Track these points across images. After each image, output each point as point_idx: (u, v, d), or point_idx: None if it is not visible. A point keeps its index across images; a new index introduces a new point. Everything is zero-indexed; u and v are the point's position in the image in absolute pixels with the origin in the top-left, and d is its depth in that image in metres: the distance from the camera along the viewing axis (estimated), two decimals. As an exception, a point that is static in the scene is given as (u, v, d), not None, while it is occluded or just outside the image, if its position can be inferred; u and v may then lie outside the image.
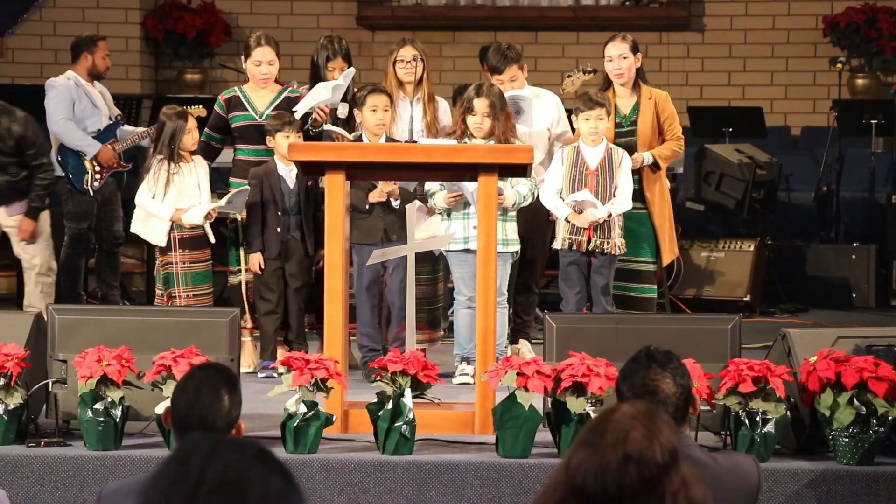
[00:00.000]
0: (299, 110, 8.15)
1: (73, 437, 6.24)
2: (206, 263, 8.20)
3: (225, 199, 8.08)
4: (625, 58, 8.23)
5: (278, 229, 8.02)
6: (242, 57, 8.50)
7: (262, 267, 8.05)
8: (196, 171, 8.14)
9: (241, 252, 8.21)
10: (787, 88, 13.58)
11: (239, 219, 8.21)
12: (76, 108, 9.40)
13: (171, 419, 3.69)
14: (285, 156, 7.85)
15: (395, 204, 7.86)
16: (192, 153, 8.17)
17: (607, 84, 8.34)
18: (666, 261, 8.26)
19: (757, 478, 3.96)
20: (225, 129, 8.41)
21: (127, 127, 9.64)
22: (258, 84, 8.38)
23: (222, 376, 3.70)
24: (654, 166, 8.15)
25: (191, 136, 8.14)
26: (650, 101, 8.22)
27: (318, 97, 8.14)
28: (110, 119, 9.54)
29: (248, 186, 8.08)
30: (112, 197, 9.55)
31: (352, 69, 8.33)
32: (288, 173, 8.01)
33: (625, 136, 8.18)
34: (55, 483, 5.98)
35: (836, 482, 5.89)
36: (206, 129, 8.41)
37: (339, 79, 8.21)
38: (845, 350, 6.17)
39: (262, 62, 8.34)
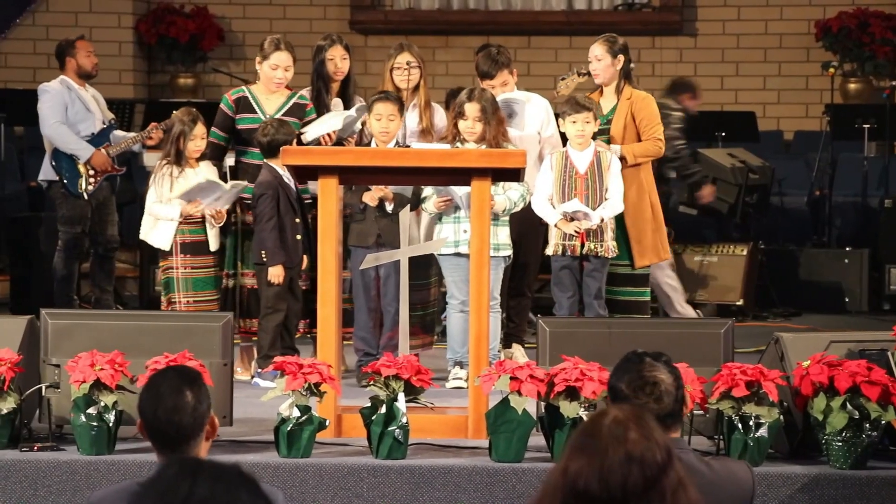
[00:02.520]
0: (308, 135, 8.13)
1: (66, 441, 6.23)
2: (210, 269, 8.11)
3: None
4: (599, 59, 8.28)
5: (298, 236, 7.98)
6: (258, 58, 8.43)
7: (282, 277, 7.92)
8: (202, 174, 8.10)
9: (238, 255, 8.15)
10: (780, 93, 13.60)
11: (237, 220, 8.16)
12: (69, 112, 9.40)
13: (142, 427, 3.71)
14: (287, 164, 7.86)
15: (389, 208, 7.86)
16: (199, 158, 8.15)
17: (598, 85, 8.38)
18: (641, 263, 8.16)
19: (752, 485, 3.98)
20: (231, 128, 8.35)
21: (119, 132, 9.63)
22: (271, 88, 8.32)
23: (181, 375, 3.73)
24: (623, 161, 8.11)
25: (195, 143, 8.10)
26: (627, 101, 8.23)
27: (328, 126, 8.12)
28: (104, 123, 9.53)
29: (242, 184, 8.04)
30: (106, 201, 9.54)
31: (363, 104, 8.26)
32: (290, 180, 7.96)
33: (601, 134, 8.19)
34: (48, 488, 5.97)
35: (830, 486, 5.90)
36: (211, 128, 8.31)
37: (352, 110, 8.19)
38: (838, 354, 6.17)
39: (279, 66, 8.28)
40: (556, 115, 8.34)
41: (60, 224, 9.45)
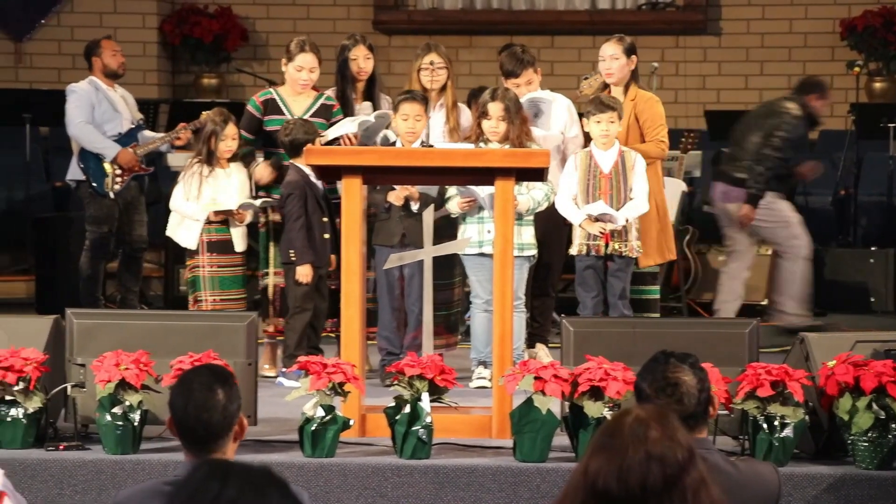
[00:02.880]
0: (328, 136, 8.15)
1: (91, 440, 6.26)
2: (237, 268, 8.15)
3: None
4: (616, 59, 8.29)
5: (326, 235, 7.99)
6: (283, 59, 8.47)
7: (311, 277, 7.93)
8: (233, 177, 8.14)
9: (270, 254, 8.18)
10: (804, 92, 13.54)
11: (267, 220, 8.19)
12: (96, 112, 9.42)
13: (172, 424, 3.72)
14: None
15: (415, 208, 7.87)
16: (230, 159, 8.17)
17: (606, 85, 8.38)
18: (645, 263, 8.16)
19: (778, 485, 3.97)
20: (258, 130, 8.38)
21: (147, 132, 9.65)
22: (297, 89, 8.36)
23: (214, 373, 3.74)
24: None
25: (225, 144, 8.13)
26: (631, 102, 8.23)
27: (344, 129, 8.13)
28: (132, 123, 9.54)
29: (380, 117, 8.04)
30: (135, 201, 9.54)
31: (388, 112, 8.27)
32: (317, 180, 8.00)
33: None
34: (74, 487, 6.00)
35: (855, 486, 5.89)
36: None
37: (370, 116, 8.20)
38: (864, 354, 6.15)
39: (303, 68, 8.32)
40: (580, 115, 8.36)
41: (87, 224, 9.48)
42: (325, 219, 7.97)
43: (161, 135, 9.50)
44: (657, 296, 8.32)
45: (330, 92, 8.49)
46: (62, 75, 12.95)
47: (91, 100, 9.41)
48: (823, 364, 6.10)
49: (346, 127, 8.15)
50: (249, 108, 8.43)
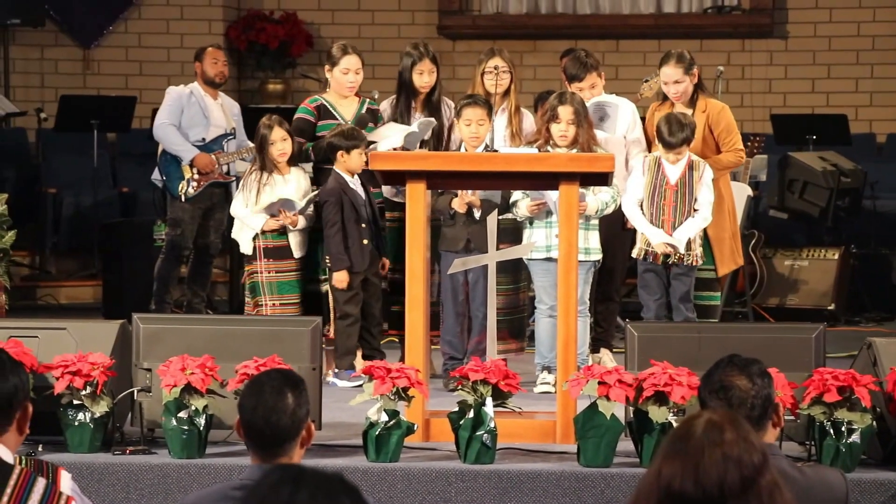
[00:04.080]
0: (378, 149, 8.20)
1: (157, 445, 6.31)
2: (293, 273, 8.22)
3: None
4: (679, 82, 8.27)
5: (364, 241, 8.05)
6: (326, 66, 8.55)
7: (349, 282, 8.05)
8: (290, 183, 8.21)
9: (327, 260, 8.25)
10: (873, 95, 13.45)
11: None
12: (184, 115, 9.50)
13: (240, 426, 3.72)
14: (355, 170, 8.00)
15: (477, 215, 7.88)
16: (290, 164, 8.24)
17: (665, 97, 8.36)
18: (723, 271, 8.20)
19: (845, 491, 3.94)
20: (312, 135, 8.44)
21: (247, 142, 9.67)
22: (344, 92, 8.45)
23: (285, 377, 3.75)
24: None
25: (276, 148, 8.20)
26: (703, 114, 8.23)
27: (390, 142, 8.17)
28: (226, 131, 9.60)
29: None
30: (215, 207, 9.58)
31: (431, 120, 8.31)
32: (358, 186, 8.08)
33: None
34: (140, 490, 6.04)
35: (923, 493, 5.83)
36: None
37: (414, 125, 8.25)
38: (932, 359, 6.10)
39: (349, 70, 8.42)
40: (643, 118, 8.37)
41: (167, 226, 9.59)
42: (364, 225, 8.04)
43: (250, 145, 9.51)
44: (718, 302, 8.29)
45: (386, 104, 8.55)
46: (129, 81, 13.08)
47: (181, 103, 9.51)
48: (892, 369, 6.05)
49: (392, 140, 8.19)
50: (302, 115, 8.51)
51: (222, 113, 9.63)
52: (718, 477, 2.73)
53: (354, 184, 8.06)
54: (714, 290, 8.22)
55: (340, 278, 8.01)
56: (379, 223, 8.19)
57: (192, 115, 9.50)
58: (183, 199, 9.41)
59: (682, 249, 7.74)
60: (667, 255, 7.79)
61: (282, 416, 3.64)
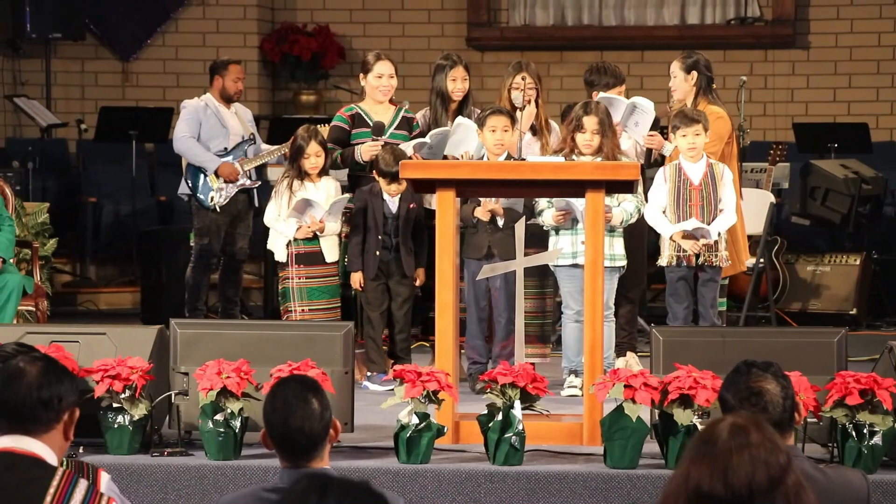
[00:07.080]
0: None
1: (194, 447, 6.39)
2: (326, 279, 8.33)
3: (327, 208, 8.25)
4: (674, 76, 8.47)
5: (377, 252, 8.20)
6: (361, 74, 8.66)
7: (363, 285, 8.24)
8: (321, 190, 8.32)
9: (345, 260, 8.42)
10: (893, 104, 13.50)
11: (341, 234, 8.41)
12: (203, 128, 9.58)
13: (268, 439, 3.76)
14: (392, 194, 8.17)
15: (500, 222, 7.99)
16: (321, 173, 8.35)
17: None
18: (733, 272, 8.32)
19: (867, 493, 3.97)
20: (346, 143, 8.54)
21: (263, 146, 9.81)
22: (379, 98, 8.54)
23: (304, 384, 3.79)
24: None
25: (309, 161, 8.31)
26: None
27: (460, 149, 8.30)
28: (243, 138, 9.72)
29: (344, 197, 8.28)
30: (242, 214, 9.67)
31: (446, 129, 8.38)
32: (390, 198, 8.19)
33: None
34: (178, 491, 6.13)
35: (944, 494, 5.90)
36: (328, 146, 8.48)
37: (427, 138, 8.34)
38: (952, 362, 6.17)
39: (384, 74, 8.54)
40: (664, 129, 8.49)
41: (194, 236, 9.70)
42: (380, 236, 8.17)
43: (273, 148, 9.64)
44: (724, 308, 8.39)
45: (420, 116, 8.65)
46: (167, 93, 13.24)
47: (199, 116, 9.59)
48: (912, 372, 6.13)
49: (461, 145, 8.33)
50: (338, 123, 8.60)
51: (237, 121, 9.73)
52: (747, 477, 2.80)
53: (387, 196, 8.22)
54: (721, 295, 8.31)
55: (356, 278, 8.23)
56: (408, 238, 8.24)
57: (210, 127, 9.58)
58: (217, 209, 9.53)
59: (712, 237, 7.78)
60: (698, 255, 7.86)
61: (313, 422, 3.70)
